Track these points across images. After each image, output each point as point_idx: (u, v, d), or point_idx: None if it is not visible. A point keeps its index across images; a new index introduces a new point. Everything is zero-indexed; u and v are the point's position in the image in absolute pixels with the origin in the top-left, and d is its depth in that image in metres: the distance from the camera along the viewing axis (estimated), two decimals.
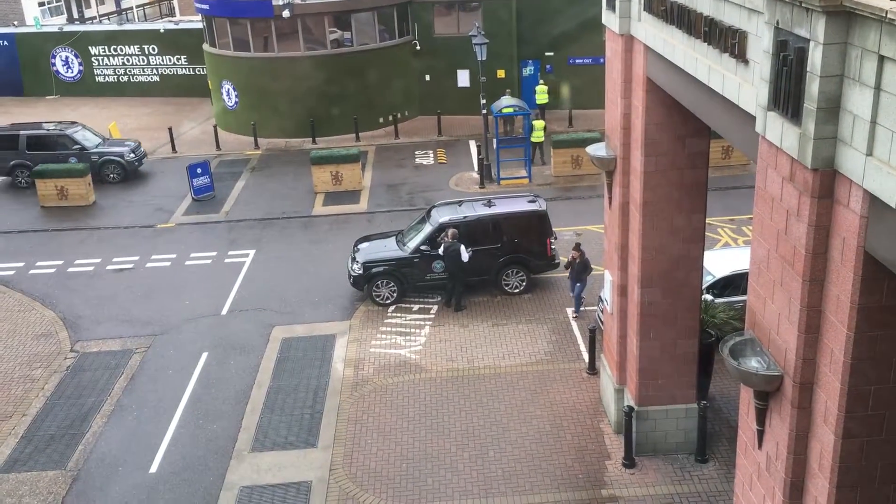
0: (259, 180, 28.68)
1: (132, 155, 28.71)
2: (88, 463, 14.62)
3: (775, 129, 7.25)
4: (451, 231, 18.57)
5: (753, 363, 7.84)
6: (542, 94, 32.36)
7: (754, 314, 8.14)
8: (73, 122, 29.60)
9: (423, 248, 19.11)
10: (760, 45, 7.59)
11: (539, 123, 27.55)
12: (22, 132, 28.37)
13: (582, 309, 18.33)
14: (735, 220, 22.89)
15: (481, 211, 19.43)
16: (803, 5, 6.45)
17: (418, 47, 33.61)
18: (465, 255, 18.40)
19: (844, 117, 6.40)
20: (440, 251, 18.66)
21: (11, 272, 21.89)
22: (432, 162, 29.59)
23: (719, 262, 17.02)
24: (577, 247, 18.06)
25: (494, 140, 26.64)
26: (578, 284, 18.03)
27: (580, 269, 17.92)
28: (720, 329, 14.35)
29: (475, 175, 27.58)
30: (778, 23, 6.95)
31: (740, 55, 8.16)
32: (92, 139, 28.78)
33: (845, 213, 6.57)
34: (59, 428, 15.62)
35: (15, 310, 20.03)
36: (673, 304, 12.87)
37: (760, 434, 8.11)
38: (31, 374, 17.36)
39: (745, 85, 8.09)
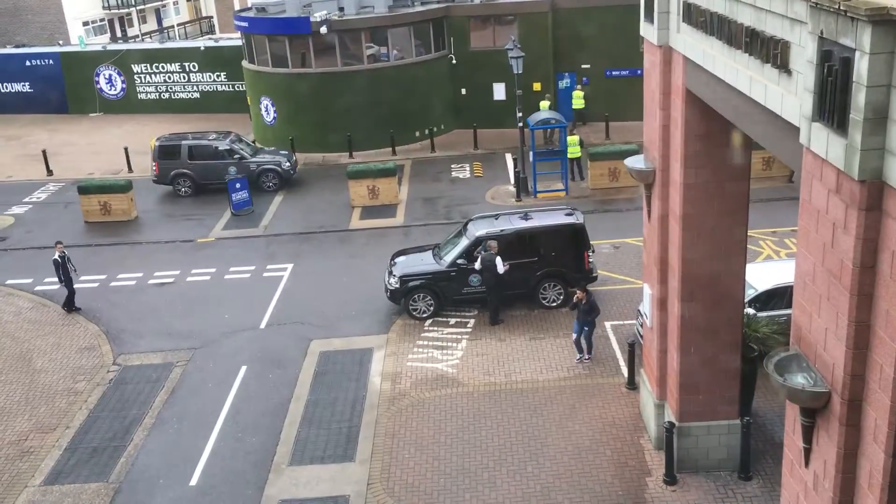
0: (297, 195, 28.90)
1: (287, 164, 29.36)
2: (130, 475, 14.82)
3: (820, 140, 7.13)
4: (491, 243, 18.56)
5: (800, 379, 7.69)
6: (578, 100, 32.30)
7: (800, 329, 7.99)
8: (229, 132, 30.34)
9: (459, 261, 19.10)
10: (804, 55, 7.49)
11: (573, 139, 27.49)
12: (184, 142, 29.17)
13: (586, 358, 16.92)
14: (777, 232, 22.54)
15: (518, 224, 19.40)
16: (848, 15, 6.35)
17: (454, 61, 33.76)
18: (500, 268, 18.36)
19: (892, 128, 6.28)
20: (477, 264, 18.64)
21: (56, 286, 22.35)
22: (468, 175, 29.61)
23: (762, 275, 16.76)
24: (584, 287, 17.00)
25: (531, 153, 26.60)
26: (586, 328, 16.77)
27: (586, 311, 16.65)
28: (763, 343, 14.11)
29: (511, 188, 27.56)
30: (822, 32, 6.85)
31: (783, 65, 8.06)
32: (248, 148, 29.61)
33: (894, 225, 6.43)
34: (101, 440, 15.86)
35: (59, 324, 20.44)
36: (714, 318, 12.71)
37: (807, 452, 7.94)
38: (74, 386, 17.67)
39: (789, 95, 7.98)
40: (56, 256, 20.37)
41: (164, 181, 28.99)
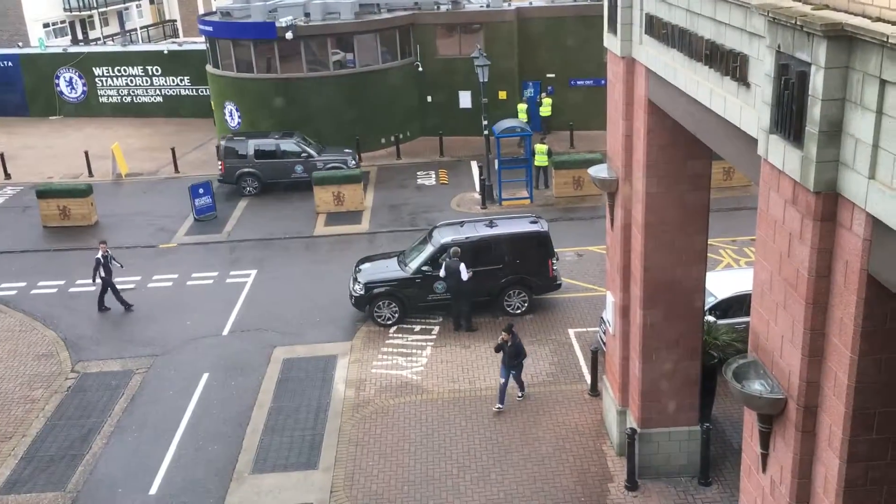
0: (261, 201, 28.66)
1: (353, 162, 29.16)
2: (88, 484, 14.53)
3: (777, 152, 7.27)
4: (453, 249, 18.59)
5: (757, 386, 7.80)
6: (546, 107, 32.49)
7: (758, 337, 8.11)
8: (293, 131, 30.05)
9: (424, 268, 19.10)
10: (762, 69, 7.64)
11: (541, 148, 27.63)
12: (251, 142, 28.92)
13: (520, 395, 15.93)
14: (737, 241, 22.88)
15: (483, 231, 19.45)
16: (805, 30, 6.49)
17: (420, 68, 33.80)
18: (464, 274, 18.39)
19: (846, 141, 6.42)
20: (441, 271, 18.65)
21: (13, 292, 21.86)
22: (434, 182, 29.61)
23: (721, 283, 16.99)
24: (509, 328, 15.55)
25: (496, 161, 26.69)
26: (514, 371, 15.62)
27: (513, 354, 15.49)
28: (723, 351, 14.29)
29: (477, 196, 27.61)
30: (779, 47, 6.99)
31: (742, 78, 8.20)
32: (313, 147, 29.35)
33: (848, 235, 6.57)
34: (58, 449, 15.53)
35: (16, 330, 20.00)
36: (675, 326, 12.83)
37: (764, 458, 8.06)
38: (31, 394, 17.30)
39: (747, 108, 8.13)
40: (99, 255, 20.31)
41: (229, 180, 28.79)
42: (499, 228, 19.53)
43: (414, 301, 19.21)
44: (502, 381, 15.67)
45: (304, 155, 28.72)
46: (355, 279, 19.56)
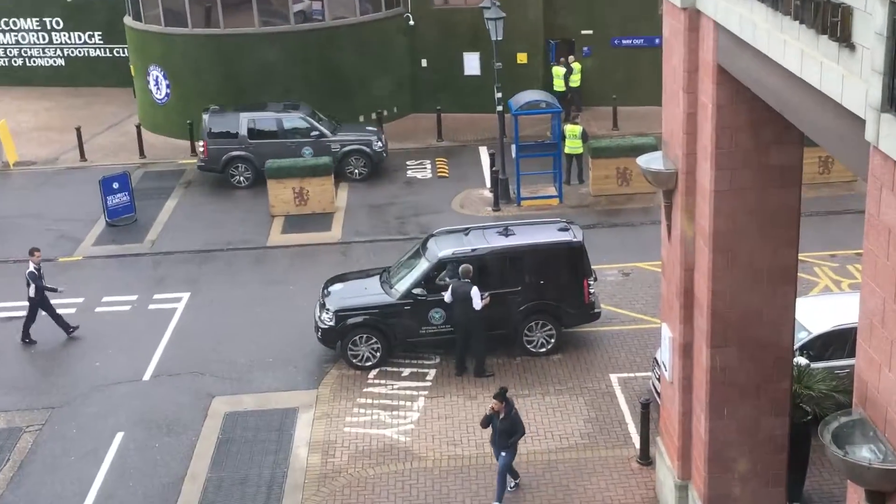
0: (197, 199, 28.79)
1: (379, 144, 29.37)
2: None
3: (892, 136, 7.29)
4: (464, 267, 18.61)
5: (865, 453, 7.79)
6: (559, 78, 32.57)
7: (865, 386, 8.11)
8: (299, 103, 30.29)
9: (416, 291, 19.13)
10: (871, 25, 7.66)
11: (573, 129, 27.76)
12: (243, 116, 29.11)
13: (513, 486, 15.48)
14: (837, 255, 22.91)
15: (496, 242, 19.49)
16: None
17: (411, 22, 33.98)
18: (476, 301, 18.38)
19: None
20: (447, 295, 18.64)
21: None
22: (430, 175, 29.68)
23: (817, 313, 16.99)
24: (502, 395, 14.99)
25: (513, 146, 26.83)
26: (504, 455, 15.04)
27: (506, 430, 14.97)
28: (818, 404, 14.28)
29: (487, 194, 27.69)
30: None
31: (844, 38, 8.22)
32: (326, 124, 29.60)
33: None
34: None
35: None
36: (754, 370, 12.85)
37: None
38: None
39: (851, 77, 8.15)
40: (32, 268, 20.47)
41: (214, 167, 28.91)
42: (517, 238, 19.59)
43: (402, 335, 19.25)
44: (499, 461, 15.20)
45: (314, 134, 29.03)
46: (323, 305, 19.58)
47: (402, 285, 19.40)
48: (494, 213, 26.31)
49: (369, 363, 19.24)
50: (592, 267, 19.83)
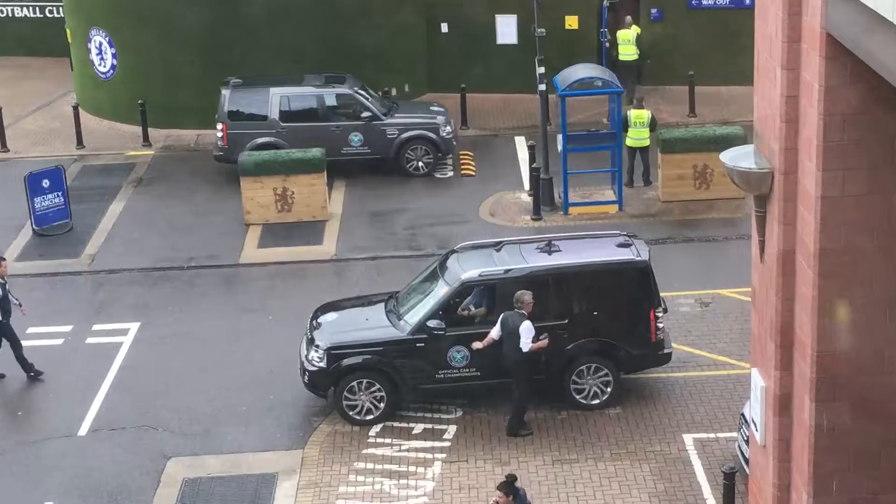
0: (150, 202, 28.84)
1: (448, 129, 29.59)
2: None
3: None
4: (520, 294, 18.35)
5: None
6: (628, 47, 32.43)
7: None
8: (344, 75, 30.66)
9: (432, 324, 19.05)
10: None
11: (640, 115, 27.70)
12: (274, 91, 29.44)
13: None
14: None
15: (536, 261, 19.44)
16: None
17: None
18: (525, 340, 18.04)
19: None
20: (495, 330, 18.49)
21: None
22: (450, 174, 29.73)
23: None
24: (509, 485, 14.78)
25: (559, 137, 26.76)
26: None
27: None
28: None
29: (525, 198, 27.70)
30: None
31: None
32: (378, 103, 29.96)
33: None
34: None
35: None
36: (873, 432, 12.73)
37: None
38: None
39: None
40: None
41: (235, 157, 28.78)
42: (563, 255, 19.55)
43: (413, 380, 19.19)
44: None
45: (365, 115, 29.25)
46: (311, 341, 19.54)
47: (413, 316, 19.32)
48: (534, 224, 26.25)
49: (370, 416, 19.17)
50: (661, 295, 19.72)
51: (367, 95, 29.82)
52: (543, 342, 18.36)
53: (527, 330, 18.19)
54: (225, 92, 29.42)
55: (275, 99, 29.26)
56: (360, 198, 28.27)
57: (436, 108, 30.60)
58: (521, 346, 18.20)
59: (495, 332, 18.56)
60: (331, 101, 29.67)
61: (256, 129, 29.17)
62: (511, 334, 18.33)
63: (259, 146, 28.80)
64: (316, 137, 28.66)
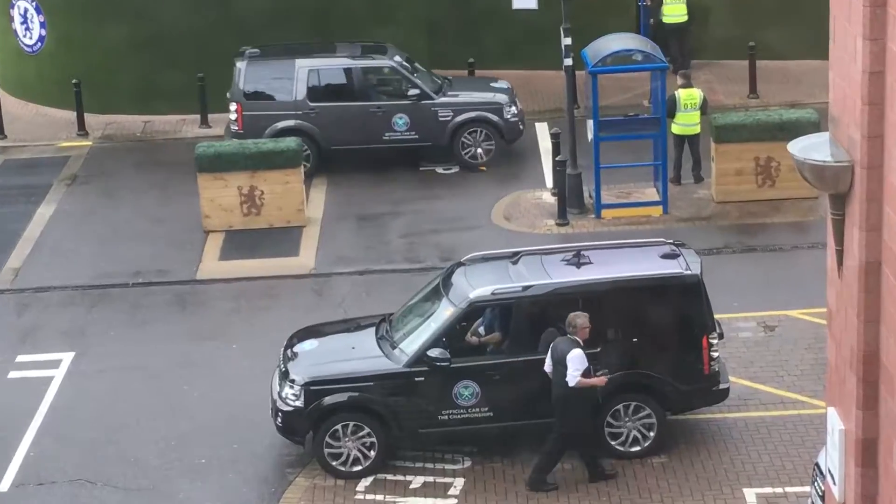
0: (86, 204, 28.97)
1: (513, 109, 29.81)
2: None
3: None
4: (573, 317, 18.21)
5: None
6: (675, 5, 32.43)
7: None
8: (385, 44, 31.08)
9: (434, 353, 18.99)
10: None
11: (690, 95, 27.73)
12: (300, 62, 29.76)
13: None
14: None
15: (561, 275, 19.44)
16: None
17: None
18: (574, 372, 17.84)
19: None
20: (546, 362, 18.40)
21: None
22: (456, 168, 29.88)
23: None
24: None
25: (590, 123, 26.79)
26: None
27: None
28: None
29: (548, 198, 27.80)
30: None
31: None
32: (427, 79, 30.31)
33: None
34: None
35: None
36: None
37: None
38: None
39: None
40: None
41: None
42: (595, 269, 19.57)
43: (411, 423, 19.16)
44: None
45: (412, 93, 29.48)
46: (285, 374, 19.51)
47: (411, 344, 19.28)
48: (560, 231, 26.34)
49: (358, 467, 19.13)
50: (716, 317, 19.67)
51: (414, 69, 30.05)
52: (600, 379, 18.17)
53: (576, 360, 17.95)
54: (240, 65, 29.67)
55: (301, 73, 29.48)
56: (345, 198, 28.31)
57: (498, 85, 30.79)
58: (567, 379, 18.16)
59: (547, 364, 18.46)
60: (370, 76, 29.92)
61: (279, 110, 29.41)
62: (559, 363, 18.22)
63: (281, 132, 29.08)
64: (352, 120, 29.08)
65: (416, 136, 29.29)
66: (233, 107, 29.46)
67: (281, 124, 29.27)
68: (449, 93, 29.94)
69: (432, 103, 29.46)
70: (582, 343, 18.05)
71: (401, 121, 29.17)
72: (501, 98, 29.86)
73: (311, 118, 29.37)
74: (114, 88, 32.89)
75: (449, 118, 29.40)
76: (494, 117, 29.49)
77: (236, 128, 29.46)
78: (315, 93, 29.53)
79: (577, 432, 18.58)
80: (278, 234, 26.88)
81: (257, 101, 29.51)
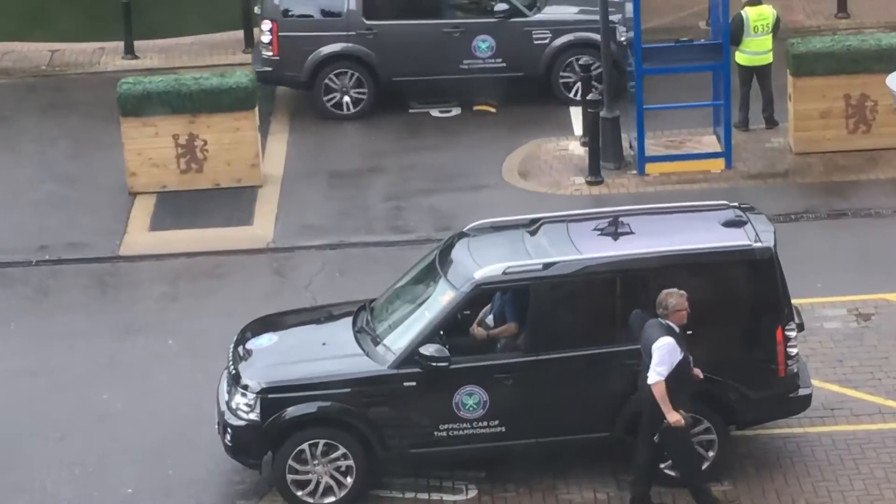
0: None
1: (627, 33, 29.75)
2: None
3: None
4: (668, 298, 18.24)
5: None
6: None
7: None
8: None
9: (429, 351, 18.98)
10: None
11: (762, 13, 27.81)
12: None
13: None
14: None
15: (593, 250, 19.46)
16: None
17: None
18: (659, 366, 17.71)
19: None
20: (655, 348, 18.31)
21: None
22: (457, 111, 30.01)
23: None
24: None
25: (630, 55, 26.99)
26: None
27: None
28: None
29: (576, 148, 27.97)
30: None
31: None
32: None
33: None
34: None
35: None
36: None
37: None
38: None
39: None
40: None
41: (292, 75, 29.89)
42: (637, 241, 19.69)
43: (400, 441, 19.17)
44: None
45: (499, 9, 29.73)
46: (237, 378, 19.54)
47: (399, 339, 19.29)
48: (592, 191, 26.45)
49: (331, 499, 19.20)
50: (794, 303, 19.71)
51: None
52: (696, 374, 18.26)
53: (664, 351, 17.86)
54: None
55: None
56: (312, 149, 28.49)
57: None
58: (648, 377, 18.03)
59: (655, 371, 18.19)
60: None
61: (326, 30, 29.65)
62: (645, 354, 18.20)
63: (327, 58, 29.50)
64: (420, 44, 29.32)
65: (504, 65, 29.52)
66: (266, 25, 29.91)
67: (327, 49, 29.63)
68: (546, 9, 30.25)
69: (525, 22, 29.83)
70: (678, 329, 17.98)
71: (484, 45, 29.41)
72: (612, 15, 29.59)
73: (366, 40, 29.55)
74: (9, 7, 32.85)
75: (546, 41, 29.73)
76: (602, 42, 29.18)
77: (270, 53, 29.88)
78: (372, 7, 29.66)
79: (675, 437, 18.45)
80: (226, 196, 27.01)
81: (297, 18, 29.95)
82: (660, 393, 17.72)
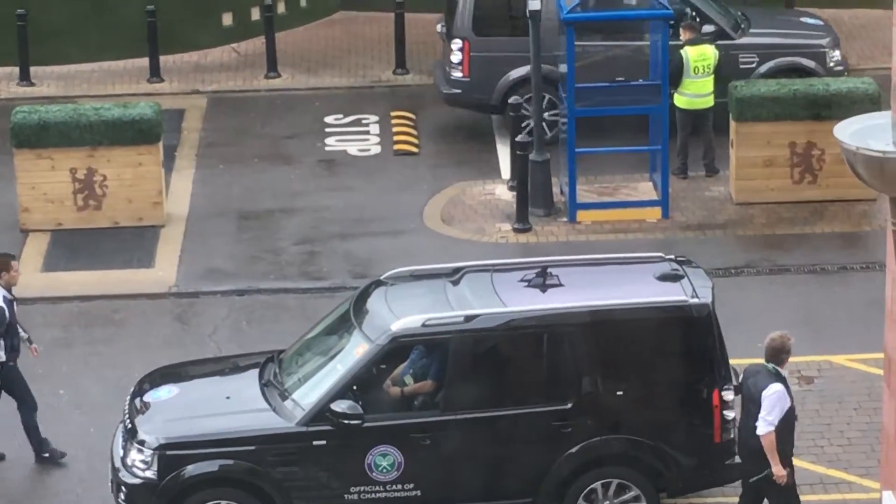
0: None
1: (837, 55, 30.12)
2: None
3: None
4: (785, 342, 18.02)
5: None
6: None
7: None
8: None
9: (341, 408, 18.97)
10: None
11: (703, 53, 28.08)
12: None
13: None
14: None
15: (518, 302, 19.56)
16: None
17: None
18: (770, 416, 17.38)
19: None
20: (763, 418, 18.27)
21: None
22: (377, 149, 30.01)
23: None
24: None
25: (564, 94, 27.08)
26: None
27: None
28: None
29: (504, 193, 28.08)
30: None
31: None
32: (721, 11, 30.62)
33: None
34: None
35: None
36: None
37: None
38: None
39: None
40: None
41: (482, 98, 29.79)
42: (566, 293, 19.72)
43: (307, 501, 19.17)
44: None
45: (705, 31, 29.46)
46: (133, 433, 19.47)
47: (308, 394, 19.29)
48: (519, 239, 26.52)
49: None
50: (732, 363, 19.76)
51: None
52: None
53: (775, 398, 17.75)
54: None
55: None
56: (220, 188, 28.46)
57: (813, 22, 31.23)
58: (757, 424, 17.90)
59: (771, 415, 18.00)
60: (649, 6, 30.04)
61: (519, 50, 29.27)
62: (751, 402, 18.06)
63: (521, 80, 29.43)
64: (615, 65, 29.03)
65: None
66: (456, 44, 29.93)
67: (518, 71, 29.58)
68: (752, 31, 30.44)
69: (732, 45, 29.92)
70: (785, 374, 17.88)
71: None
72: (821, 40, 30.22)
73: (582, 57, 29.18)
74: None
75: (753, 64, 29.88)
76: (813, 64, 29.80)
77: (460, 74, 29.90)
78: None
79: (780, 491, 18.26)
80: (126, 236, 26.91)
81: (491, 37, 30.06)
82: (769, 444, 17.59)
